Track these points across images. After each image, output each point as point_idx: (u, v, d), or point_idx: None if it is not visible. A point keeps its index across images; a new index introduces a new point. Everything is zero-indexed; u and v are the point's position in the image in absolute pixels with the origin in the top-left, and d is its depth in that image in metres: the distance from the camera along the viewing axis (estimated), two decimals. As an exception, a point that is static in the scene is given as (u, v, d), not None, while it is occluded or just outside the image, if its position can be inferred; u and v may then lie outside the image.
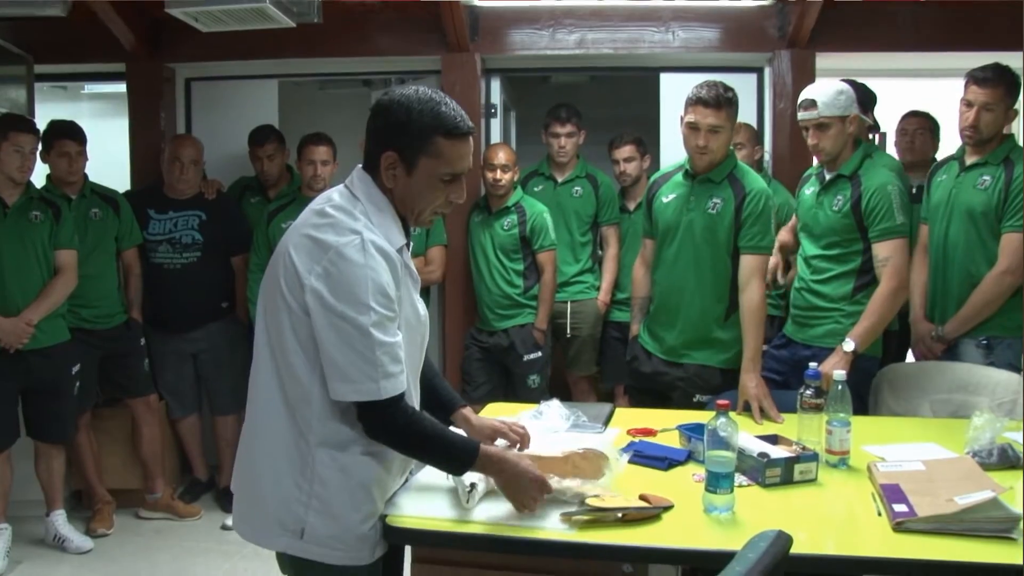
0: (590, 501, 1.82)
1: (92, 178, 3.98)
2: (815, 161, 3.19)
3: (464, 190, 1.79)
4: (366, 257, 1.65)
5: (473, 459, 1.76)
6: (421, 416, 1.76)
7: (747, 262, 2.86)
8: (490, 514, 1.82)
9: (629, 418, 2.61)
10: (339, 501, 1.74)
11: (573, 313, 4.24)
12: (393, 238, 1.75)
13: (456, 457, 1.77)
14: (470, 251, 4.22)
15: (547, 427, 2.25)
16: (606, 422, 2.54)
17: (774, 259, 3.26)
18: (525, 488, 1.79)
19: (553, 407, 2.37)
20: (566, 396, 4.00)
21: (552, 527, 1.77)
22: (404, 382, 1.70)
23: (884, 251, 2.85)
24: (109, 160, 4.48)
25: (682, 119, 2.89)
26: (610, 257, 4.33)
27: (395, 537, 1.81)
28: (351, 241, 1.66)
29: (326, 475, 1.73)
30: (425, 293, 4.19)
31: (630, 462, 2.15)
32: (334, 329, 1.64)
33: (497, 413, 2.58)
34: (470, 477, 1.83)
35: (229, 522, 3.98)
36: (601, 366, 4.39)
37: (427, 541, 1.81)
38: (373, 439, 1.73)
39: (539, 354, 4.05)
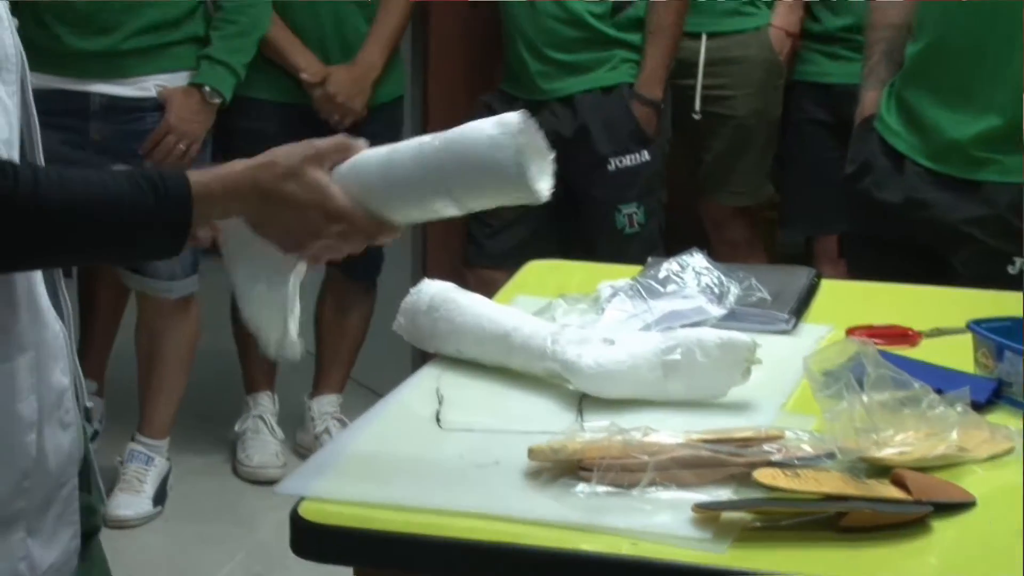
0: (759, 477, 1.25)
1: None
2: None
3: None
4: None
5: (184, 204, 1.13)
6: (56, 173, 1.14)
7: None
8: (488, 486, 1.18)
9: (851, 302, 1.80)
10: None
11: (712, 63, 2.90)
12: None
13: (143, 216, 1.13)
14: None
15: (673, 311, 1.50)
16: (798, 309, 1.66)
17: None
18: (311, 225, 1.19)
19: (695, 262, 1.61)
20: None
21: (665, 531, 1.08)
22: None
23: None
24: None
25: None
26: None
27: (310, 550, 1.15)
28: None
29: None
30: None
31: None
32: None
33: (546, 287, 1.73)
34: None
35: None
36: (783, 188, 3.10)
37: (371, 558, 1.16)
38: None
39: (645, 156, 2.80)
